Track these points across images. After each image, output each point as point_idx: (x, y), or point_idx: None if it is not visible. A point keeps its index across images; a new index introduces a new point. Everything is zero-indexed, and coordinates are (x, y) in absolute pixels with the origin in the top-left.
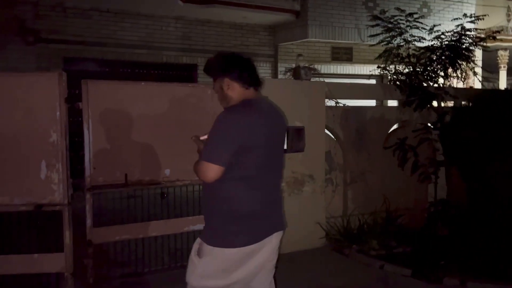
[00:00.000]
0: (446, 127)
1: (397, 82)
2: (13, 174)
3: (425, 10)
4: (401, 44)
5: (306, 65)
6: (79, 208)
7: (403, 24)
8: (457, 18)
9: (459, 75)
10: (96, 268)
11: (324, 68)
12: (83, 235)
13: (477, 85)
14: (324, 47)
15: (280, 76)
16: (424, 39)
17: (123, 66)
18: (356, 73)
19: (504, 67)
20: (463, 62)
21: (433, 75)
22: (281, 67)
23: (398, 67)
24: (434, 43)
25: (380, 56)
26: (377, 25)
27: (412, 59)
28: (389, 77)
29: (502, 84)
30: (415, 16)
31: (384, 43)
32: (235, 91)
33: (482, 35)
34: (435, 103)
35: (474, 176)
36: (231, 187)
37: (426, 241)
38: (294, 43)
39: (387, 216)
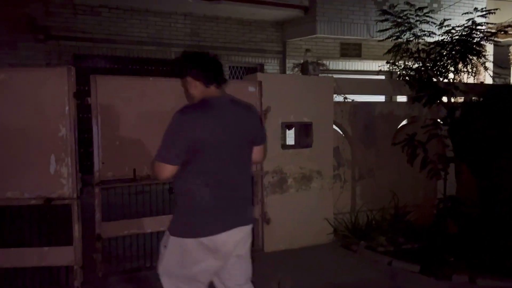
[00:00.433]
0: (456, 123)
1: (406, 78)
2: (23, 168)
3: (435, 5)
4: (411, 39)
5: (314, 60)
6: (88, 204)
7: (413, 18)
8: (467, 13)
9: (470, 70)
10: (105, 262)
11: (332, 64)
12: (92, 229)
13: (489, 81)
14: (332, 43)
15: (288, 72)
16: (434, 34)
17: (132, 62)
18: (365, 69)
19: None
20: (473, 57)
21: (443, 70)
22: (289, 63)
23: (408, 62)
24: (444, 38)
25: (389, 51)
26: (386, 20)
27: (421, 54)
28: (398, 72)
29: None
30: (425, 10)
31: (393, 38)
32: (198, 89)
33: (493, 30)
34: (445, 99)
35: (483, 173)
36: (189, 182)
37: (434, 237)
38: (302, 39)
39: (396, 213)
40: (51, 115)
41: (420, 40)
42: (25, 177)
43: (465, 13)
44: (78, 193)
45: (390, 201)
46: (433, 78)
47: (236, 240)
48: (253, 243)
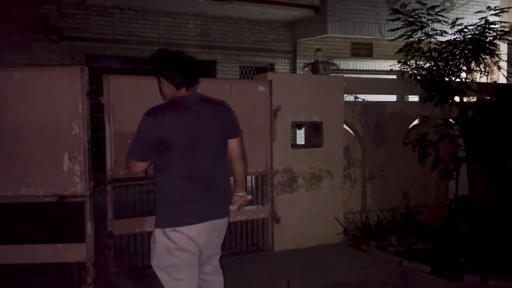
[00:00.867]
0: (468, 123)
1: (418, 77)
2: (37, 166)
3: (447, 3)
4: (422, 38)
5: (325, 60)
6: (100, 202)
7: (425, 17)
8: (480, 11)
9: (483, 70)
10: (117, 259)
11: (343, 64)
12: (103, 227)
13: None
14: (343, 43)
15: (298, 72)
16: (446, 33)
17: (143, 63)
18: (376, 68)
19: None
20: (486, 56)
21: (455, 70)
22: (300, 63)
23: (419, 61)
24: (457, 37)
25: (400, 51)
26: (398, 19)
27: (433, 54)
28: (409, 72)
29: None
30: (437, 9)
31: (405, 37)
32: (169, 90)
33: (507, 29)
34: (457, 98)
35: (495, 173)
36: (161, 177)
37: (446, 238)
38: (313, 39)
39: (406, 213)
40: (65, 114)
41: (432, 39)
42: (39, 174)
43: (478, 12)
44: (90, 191)
45: (401, 201)
46: (445, 78)
47: (209, 231)
48: (263, 242)
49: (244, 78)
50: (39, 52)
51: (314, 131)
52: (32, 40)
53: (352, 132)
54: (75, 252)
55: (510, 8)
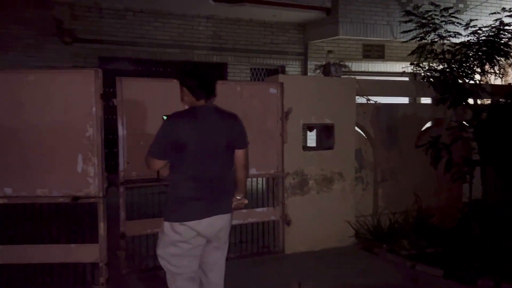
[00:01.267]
0: (482, 125)
1: (431, 79)
2: (51, 167)
3: (461, 5)
4: (435, 40)
5: (336, 62)
6: (113, 203)
7: (438, 19)
8: (495, 13)
9: (497, 72)
10: (128, 260)
11: (355, 66)
12: (115, 228)
13: None
14: (355, 44)
15: (310, 74)
16: (460, 34)
17: (155, 65)
18: (388, 70)
19: None
20: (501, 58)
21: (469, 72)
22: (311, 65)
23: (432, 63)
24: (471, 39)
25: (413, 53)
26: (410, 21)
27: (446, 55)
28: (422, 74)
29: None
30: (450, 11)
31: (418, 39)
32: (190, 99)
33: None
34: (470, 101)
35: (509, 176)
36: (175, 176)
37: (459, 241)
38: (324, 41)
39: (419, 216)
40: (79, 116)
41: (445, 41)
42: (54, 175)
43: (492, 13)
44: (104, 192)
45: (413, 204)
46: (459, 80)
47: (215, 225)
48: (274, 244)
49: (255, 80)
50: (52, 54)
51: (326, 133)
52: (45, 42)
53: (364, 135)
54: (88, 253)
55: None
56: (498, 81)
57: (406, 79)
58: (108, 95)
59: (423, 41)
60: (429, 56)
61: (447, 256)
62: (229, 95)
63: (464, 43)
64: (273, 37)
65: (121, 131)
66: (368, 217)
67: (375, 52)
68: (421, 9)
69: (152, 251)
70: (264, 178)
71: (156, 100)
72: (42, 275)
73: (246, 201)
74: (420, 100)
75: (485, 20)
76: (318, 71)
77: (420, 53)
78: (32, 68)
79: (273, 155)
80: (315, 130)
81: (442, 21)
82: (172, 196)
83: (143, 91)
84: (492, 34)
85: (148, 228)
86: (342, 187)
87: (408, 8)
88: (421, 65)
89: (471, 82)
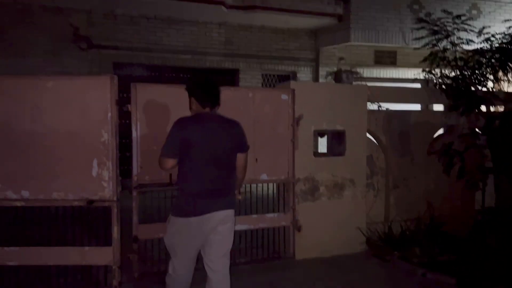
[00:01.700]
0: (495, 133)
1: (443, 86)
2: (67, 171)
3: (474, 12)
4: (448, 47)
5: (348, 68)
6: (125, 207)
7: (450, 26)
8: (509, 20)
9: (510, 79)
10: (140, 263)
11: (366, 72)
12: (127, 231)
13: None
14: (366, 51)
15: (321, 80)
16: (473, 41)
17: (168, 71)
18: (400, 77)
19: None
20: None
21: (482, 79)
22: (323, 71)
23: (444, 70)
24: (484, 46)
25: (425, 60)
26: (423, 28)
27: (459, 63)
28: (434, 81)
29: None
30: (463, 18)
31: (430, 46)
32: (197, 107)
33: None
34: (483, 108)
35: None
36: (181, 173)
37: (472, 250)
38: (336, 47)
39: (431, 223)
40: (95, 121)
41: (458, 48)
42: (69, 179)
43: (506, 20)
44: (118, 196)
45: (425, 211)
46: (471, 87)
47: (216, 220)
48: (284, 250)
49: (266, 86)
50: (68, 60)
51: (337, 139)
52: (62, 49)
53: (375, 141)
54: (101, 255)
55: None
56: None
57: (418, 85)
58: (122, 100)
59: (436, 48)
60: (441, 63)
61: (460, 264)
62: (241, 100)
63: (477, 50)
64: (284, 44)
65: (135, 136)
66: (379, 224)
67: (387, 58)
68: (433, 16)
69: (164, 254)
70: (275, 184)
71: (170, 106)
72: (57, 277)
73: (239, 197)
74: (432, 107)
75: (498, 27)
76: (330, 77)
77: (433, 60)
78: (49, 73)
79: (284, 161)
80: (326, 136)
81: (454, 28)
82: (180, 193)
83: (157, 96)
84: (506, 41)
85: (160, 232)
86: (353, 194)
87: (421, 15)
88: (433, 71)
89: (484, 89)
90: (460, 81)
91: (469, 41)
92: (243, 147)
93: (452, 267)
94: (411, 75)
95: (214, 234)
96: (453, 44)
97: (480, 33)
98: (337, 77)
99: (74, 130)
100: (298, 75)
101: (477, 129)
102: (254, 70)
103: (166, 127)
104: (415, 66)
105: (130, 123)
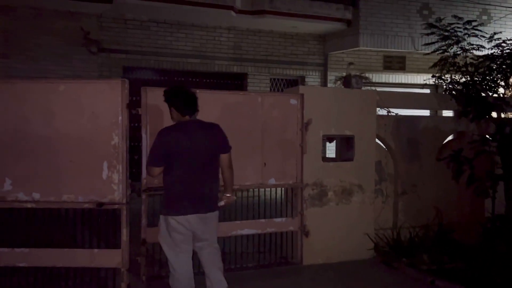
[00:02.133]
0: (505, 139)
1: (453, 92)
2: (78, 173)
3: (484, 17)
4: (458, 52)
5: (357, 73)
6: (134, 210)
7: (461, 32)
8: None
9: None
10: (148, 266)
11: (375, 77)
12: (135, 234)
13: None
14: (375, 56)
15: (329, 85)
16: (483, 47)
17: (177, 75)
18: (409, 82)
19: None
20: None
21: (493, 85)
22: (331, 76)
23: (454, 76)
24: (494, 52)
25: (435, 65)
26: (433, 33)
27: (469, 68)
28: (444, 86)
29: None
30: (473, 23)
31: (440, 51)
32: (177, 116)
33: None
34: (494, 114)
35: None
36: (168, 179)
37: (481, 257)
38: (344, 52)
39: (440, 230)
40: (105, 124)
41: (468, 54)
42: (80, 181)
43: None
44: (127, 199)
45: (434, 218)
46: (482, 93)
47: (198, 220)
48: (292, 255)
49: (274, 90)
50: (79, 64)
51: (345, 144)
52: (73, 52)
53: (384, 147)
54: (110, 258)
55: None
56: None
57: (428, 91)
58: (131, 103)
59: (446, 53)
60: (451, 68)
61: (469, 272)
62: (250, 105)
63: (488, 55)
64: (293, 48)
65: (144, 139)
66: (387, 230)
67: (396, 63)
68: (443, 22)
69: None
70: (283, 188)
71: None
72: (65, 279)
73: (234, 198)
74: (441, 113)
75: (509, 33)
76: (339, 82)
77: (442, 65)
78: (60, 77)
79: (292, 166)
80: (334, 141)
81: (465, 34)
82: (166, 195)
83: None
84: None
85: None
86: (362, 199)
87: (430, 20)
88: (443, 77)
89: (495, 95)
90: (470, 87)
91: (479, 47)
92: (225, 148)
93: (461, 274)
94: (420, 80)
95: (199, 231)
96: (464, 49)
97: (490, 38)
98: (346, 82)
99: (85, 133)
100: (306, 79)
101: (487, 136)
102: (262, 74)
103: None
104: (424, 71)
105: (139, 126)
